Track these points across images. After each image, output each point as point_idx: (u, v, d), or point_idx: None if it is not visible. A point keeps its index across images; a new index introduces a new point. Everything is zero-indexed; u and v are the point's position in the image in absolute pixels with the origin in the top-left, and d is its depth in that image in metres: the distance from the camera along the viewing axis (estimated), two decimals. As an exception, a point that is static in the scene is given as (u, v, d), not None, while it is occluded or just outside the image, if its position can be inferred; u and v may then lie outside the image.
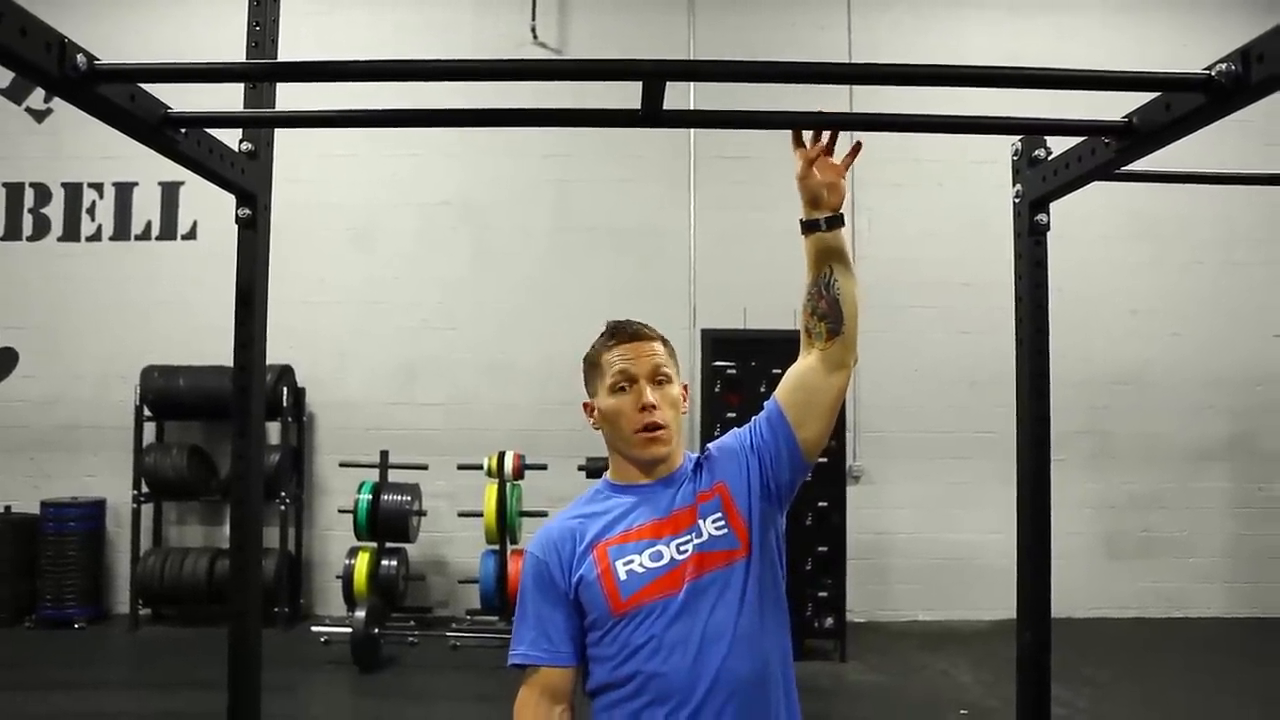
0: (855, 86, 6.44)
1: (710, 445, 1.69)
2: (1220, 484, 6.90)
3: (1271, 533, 6.86)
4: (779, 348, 5.87)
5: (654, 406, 1.56)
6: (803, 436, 1.59)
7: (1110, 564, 6.79)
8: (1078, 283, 6.25)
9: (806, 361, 1.61)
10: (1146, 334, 6.91)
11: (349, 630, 5.38)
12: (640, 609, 1.50)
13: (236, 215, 1.84)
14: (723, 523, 1.55)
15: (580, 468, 5.97)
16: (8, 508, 6.67)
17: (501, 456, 5.94)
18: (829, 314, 1.57)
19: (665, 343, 1.66)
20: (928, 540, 6.75)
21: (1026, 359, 1.78)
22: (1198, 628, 6.56)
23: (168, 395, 6.51)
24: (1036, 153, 1.83)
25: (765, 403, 1.65)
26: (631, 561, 1.52)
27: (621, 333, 1.65)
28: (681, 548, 1.53)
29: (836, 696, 5.02)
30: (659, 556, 1.52)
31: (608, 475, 1.67)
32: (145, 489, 6.53)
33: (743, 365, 5.86)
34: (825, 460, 5.83)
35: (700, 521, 1.55)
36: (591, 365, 1.66)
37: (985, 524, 6.55)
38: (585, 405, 1.67)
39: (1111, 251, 6.85)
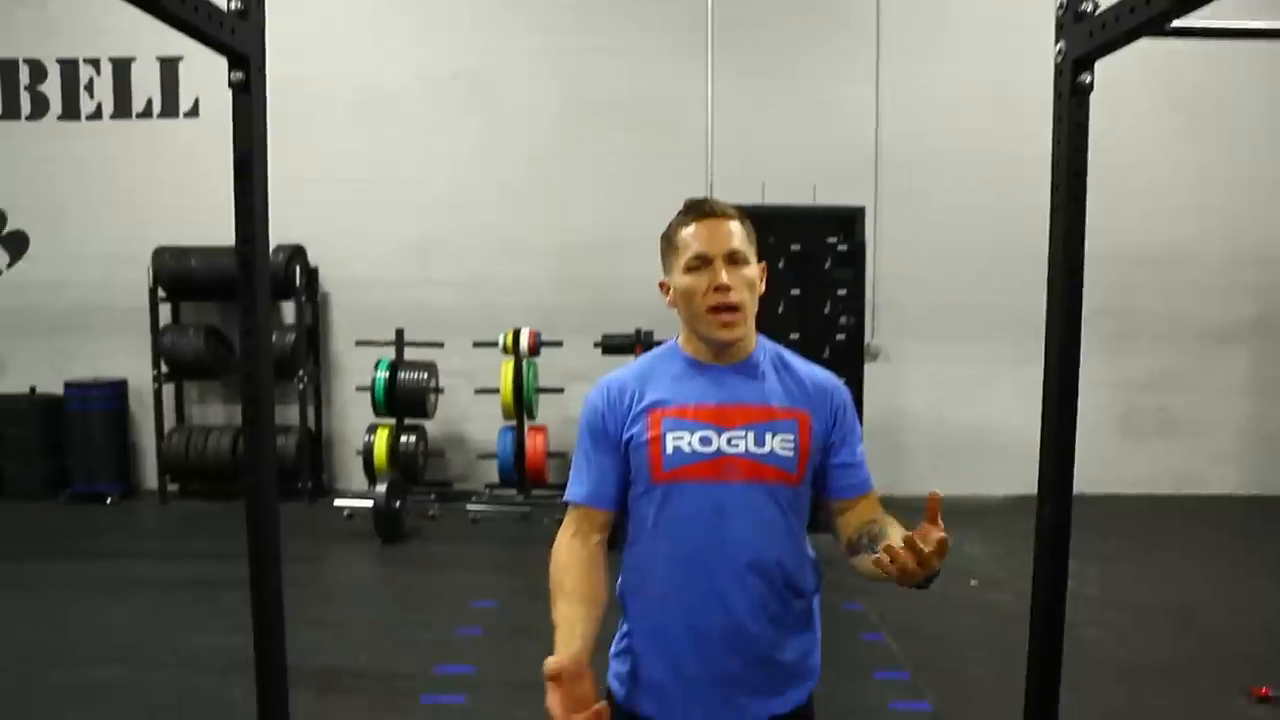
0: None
1: (797, 360, 1.66)
2: (1242, 363, 6.83)
3: (1290, 411, 6.83)
4: (798, 223, 5.85)
5: (728, 287, 1.53)
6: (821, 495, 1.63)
7: (1125, 443, 6.80)
8: (1107, 154, 6.00)
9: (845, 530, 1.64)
10: (1176, 209, 6.70)
11: (371, 504, 5.51)
12: (675, 485, 1.54)
13: (229, 79, 1.73)
14: (792, 446, 1.55)
15: (596, 344, 5.96)
16: (33, 388, 6.77)
17: (517, 334, 5.94)
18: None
19: (744, 221, 1.61)
20: (944, 418, 6.77)
21: (1061, 228, 1.69)
22: (1209, 505, 6.62)
23: (180, 277, 6.49)
24: (1083, 6, 1.69)
25: (862, 453, 1.66)
26: (681, 438, 1.53)
27: (699, 211, 1.60)
28: (734, 441, 1.53)
29: (848, 568, 5.13)
30: (708, 442, 1.53)
31: (680, 341, 1.65)
32: (165, 369, 6.60)
33: (762, 241, 5.68)
34: (843, 337, 5.80)
35: (767, 431, 1.54)
36: (668, 243, 1.62)
37: (1001, 402, 6.56)
38: (661, 285, 1.64)
39: (1145, 122, 6.58)
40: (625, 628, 1.64)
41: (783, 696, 1.59)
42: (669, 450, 1.53)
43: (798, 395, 1.59)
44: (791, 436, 1.55)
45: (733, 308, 1.53)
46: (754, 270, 1.58)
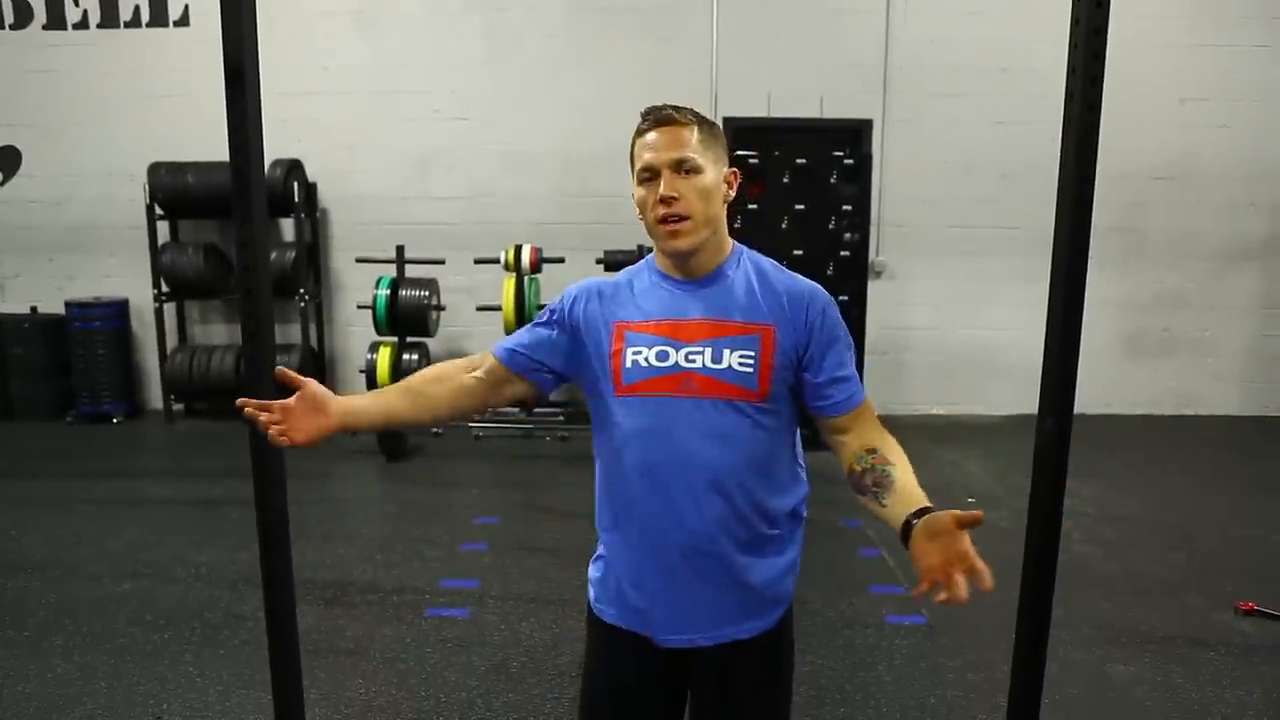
0: None
1: (776, 270, 1.59)
2: (1251, 284, 6.74)
3: (1296, 332, 6.79)
4: (803, 136, 5.73)
5: (672, 198, 1.48)
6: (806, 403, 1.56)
7: (1127, 362, 6.77)
8: (1124, 67, 5.84)
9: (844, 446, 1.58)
10: (1193, 125, 6.52)
11: (375, 422, 5.53)
12: (635, 398, 1.52)
13: (214, -19, 1.67)
14: (752, 363, 1.49)
15: (598, 261, 5.91)
16: (34, 308, 6.75)
17: (519, 250, 5.88)
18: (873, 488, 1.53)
19: (703, 125, 1.53)
20: (946, 336, 6.74)
21: (1075, 137, 1.64)
22: (1210, 425, 6.63)
23: (177, 193, 6.39)
24: (1107, -101, 1.61)
25: (850, 365, 1.58)
26: (640, 353, 1.52)
27: (650, 119, 1.53)
28: (690, 357, 1.50)
29: (847, 484, 5.18)
30: (665, 357, 1.51)
31: (653, 257, 1.63)
32: (165, 289, 6.56)
33: (766, 154, 5.64)
34: (848, 254, 5.75)
35: (725, 347, 1.50)
36: (630, 155, 1.57)
37: (1005, 321, 6.53)
38: (632, 196, 1.59)
39: (1165, 34, 6.37)
40: (600, 536, 1.65)
41: (743, 624, 1.56)
42: (628, 364, 1.52)
43: (765, 309, 1.52)
44: (751, 353, 1.49)
45: (680, 218, 1.49)
46: (710, 178, 1.50)
